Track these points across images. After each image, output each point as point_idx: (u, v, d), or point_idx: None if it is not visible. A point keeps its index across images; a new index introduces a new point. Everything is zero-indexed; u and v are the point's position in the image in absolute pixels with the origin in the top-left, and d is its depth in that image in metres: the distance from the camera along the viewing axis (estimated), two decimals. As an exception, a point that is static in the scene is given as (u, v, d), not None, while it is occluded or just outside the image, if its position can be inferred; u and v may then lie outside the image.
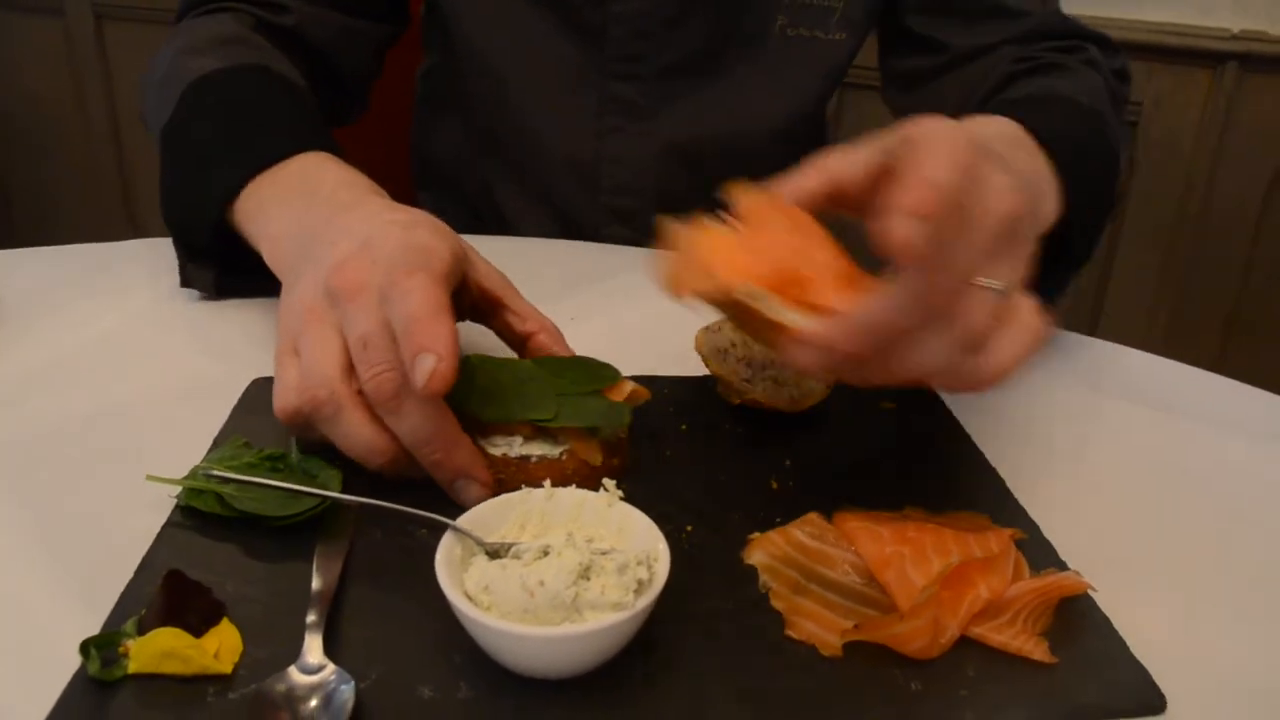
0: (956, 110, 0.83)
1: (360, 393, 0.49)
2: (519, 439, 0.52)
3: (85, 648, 0.39)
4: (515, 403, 0.52)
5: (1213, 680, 0.43)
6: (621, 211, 0.93)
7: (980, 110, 0.78)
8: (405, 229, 0.53)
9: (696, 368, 0.61)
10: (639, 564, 0.40)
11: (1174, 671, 0.42)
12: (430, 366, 0.46)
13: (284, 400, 0.51)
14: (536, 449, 0.52)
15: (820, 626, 0.43)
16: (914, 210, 0.38)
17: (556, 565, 0.39)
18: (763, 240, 0.45)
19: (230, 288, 0.72)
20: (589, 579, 0.40)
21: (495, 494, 0.47)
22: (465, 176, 1.00)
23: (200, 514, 0.49)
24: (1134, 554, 0.52)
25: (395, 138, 1.11)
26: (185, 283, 0.72)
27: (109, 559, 0.46)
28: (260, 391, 0.60)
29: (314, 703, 0.38)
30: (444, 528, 0.43)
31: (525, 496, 0.45)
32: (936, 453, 0.59)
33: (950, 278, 0.41)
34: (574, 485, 0.47)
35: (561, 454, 0.52)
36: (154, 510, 0.49)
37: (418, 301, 0.48)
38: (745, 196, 0.47)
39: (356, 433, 0.49)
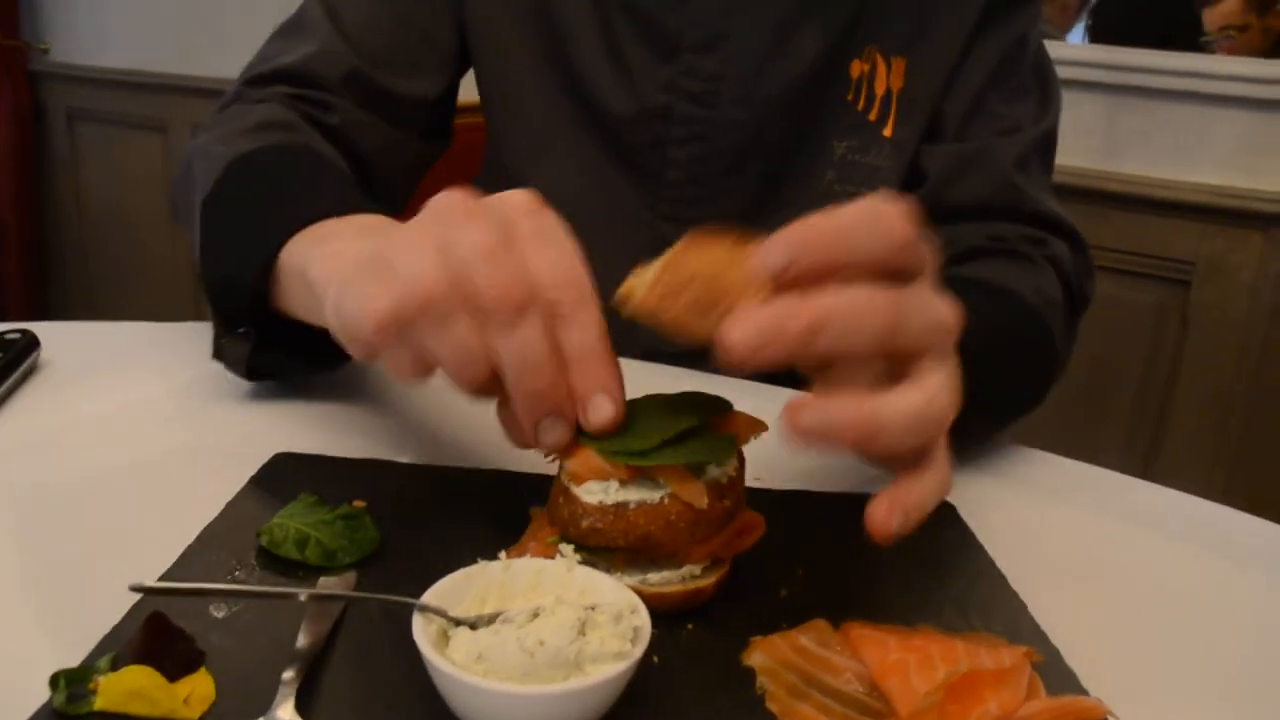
0: None
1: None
2: (614, 484, 0.47)
3: (55, 680, 0.38)
4: (610, 440, 0.47)
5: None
6: (654, 353, 0.94)
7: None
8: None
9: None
10: (632, 612, 0.40)
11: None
12: (609, 414, 0.45)
13: (377, 304, 0.45)
14: (634, 494, 0.47)
15: (815, 730, 0.41)
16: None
17: (554, 623, 0.38)
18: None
19: (263, 367, 0.69)
20: (585, 634, 0.39)
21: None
22: None
23: (200, 569, 0.49)
24: (1162, 691, 0.48)
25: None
26: (217, 355, 0.70)
27: (106, 601, 0.45)
28: (282, 464, 0.61)
29: (274, 760, 0.36)
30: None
31: (483, 570, 0.44)
32: (956, 576, 0.57)
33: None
34: (684, 532, 0.46)
35: (663, 498, 0.47)
36: (159, 561, 0.49)
37: (594, 322, 0.45)
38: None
39: (465, 340, 0.45)
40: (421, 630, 0.39)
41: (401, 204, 0.94)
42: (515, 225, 0.46)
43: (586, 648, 0.38)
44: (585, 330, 0.46)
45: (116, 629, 0.43)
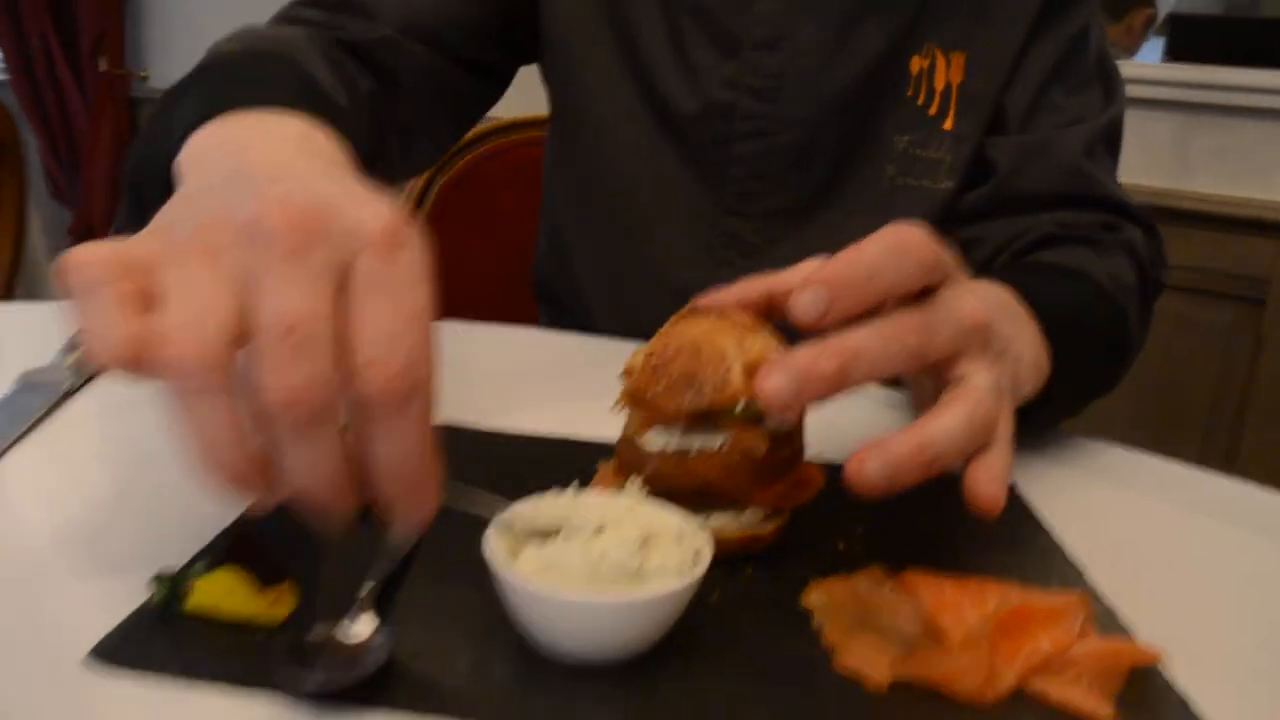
0: (993, 254, 0.86)
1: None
2: (677, 431, 0.49)
3: (156, 579, 0.41)
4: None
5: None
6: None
7: (1007, 262, 0.84)
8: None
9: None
10: (695, 533, 0.41)
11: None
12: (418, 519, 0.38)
13: (114, 342, 0.34)
14: (696, 441, 0.48)
15: (870, 656, 0.41)
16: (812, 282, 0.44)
17: (618, 537, 0.40)
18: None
19: None
20: (648, 549, 0.40)
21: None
22: (569, 293, 1.03)
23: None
24: (1221, 652, 0.48)
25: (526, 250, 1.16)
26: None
27: (200, 521, 0.48)
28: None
29: (351, 654, 0.39)
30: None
31: (552, 499, 0.45)
32: (1016, 545, 0.57)
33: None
34: (743, 479, 0.48)
35: (722, 445, 0.48)
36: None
37: (415, 427, 0.36)
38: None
39: (217, 427, 0.34)
40: (491, 544, 0.41)
41: (443, 141, 0.98)
42: (352, 271, 0.35)
43: (649, 563, 0.40)
44: (404, 439, 0.36)
45: (211, 543, 0.46)
